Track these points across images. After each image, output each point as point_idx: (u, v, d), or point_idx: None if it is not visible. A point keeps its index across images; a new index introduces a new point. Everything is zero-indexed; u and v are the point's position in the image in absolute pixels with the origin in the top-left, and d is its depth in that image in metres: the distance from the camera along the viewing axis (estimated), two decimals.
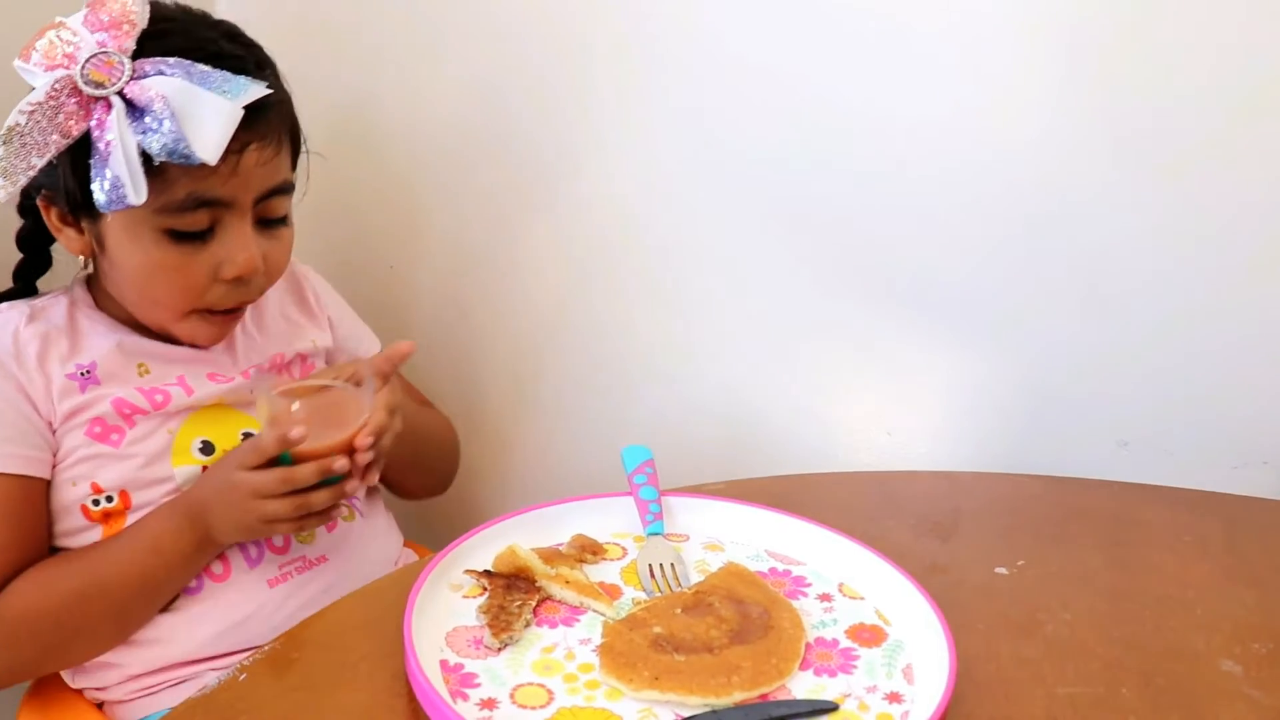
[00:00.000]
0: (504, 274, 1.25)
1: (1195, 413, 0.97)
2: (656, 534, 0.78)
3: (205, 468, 0.91)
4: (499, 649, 0.66)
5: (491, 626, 0.67)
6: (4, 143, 0.78)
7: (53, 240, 0.92)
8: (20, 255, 0.96)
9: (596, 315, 1.20)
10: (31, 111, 0.78)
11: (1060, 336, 1.01)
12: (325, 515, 0.86)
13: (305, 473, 0.82)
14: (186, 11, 0.88)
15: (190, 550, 0.86)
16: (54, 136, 0.78)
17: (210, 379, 0.93)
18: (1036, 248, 0.99)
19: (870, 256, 1.05)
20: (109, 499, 0.88)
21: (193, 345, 0.93)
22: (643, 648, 0.65)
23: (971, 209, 1.00)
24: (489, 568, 0.73)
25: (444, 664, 0.65)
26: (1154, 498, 0.90)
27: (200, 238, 0.85)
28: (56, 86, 0.79)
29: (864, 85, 1.00)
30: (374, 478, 0.87)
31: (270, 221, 0.90)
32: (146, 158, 0.78)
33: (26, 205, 0.91)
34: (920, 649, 0.68)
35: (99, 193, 0.78)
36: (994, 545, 0.82)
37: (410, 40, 1.25)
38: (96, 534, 0.88)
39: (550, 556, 0.75)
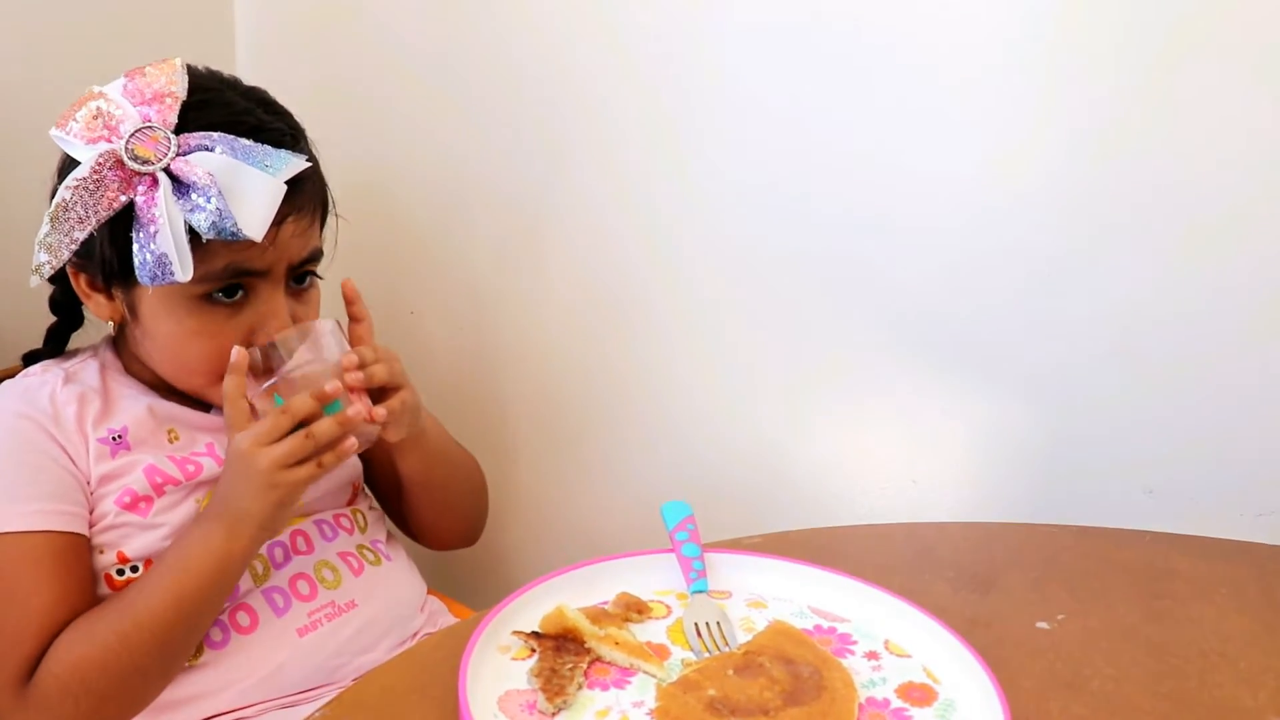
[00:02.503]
0: (527, 323, 1.26)
1: (1219, 460, 0.98)
2: (701, 591, 0.78)
3: None
4: (553, 713, 0.66)
5: (545, 690, 0.67)
6: (51, 220, 0.79)
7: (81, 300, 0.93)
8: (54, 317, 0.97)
9: (620, 366, 1.21)
10: (77, 187, 0.79)
11: (1083, 384, 1.02)
12: (339, 451, 0.83)
13: (300, 402, 0.82)
14: (219, 79, 0.90)
15: (219, 555, 0.83)
16: (97, 210, 0.79)
17: None
18: (1060, 296, 1.00)
19: (893, 306, 1.06)
20: (134, 569, 0.88)
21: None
22: (698, 711, 0.65)
23: (994, 257, 1.01)
24: (536, 629, 0.73)
25: None
26: (1185, 548, 0.90)
27: (234, 305, 0.87)
28: (100, 161, 0.79)
29: (890, 135, 1.02)
30: (384, 414, 0.86)
31: (300, 287, 0.92)
32: (192, 234, 0.80)
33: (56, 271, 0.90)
34: (972, 708, 0.68)
35: (143, 268, 0.80)
36: (1032, 599, 0.83)
37: (425, 94, 1.26)
38: None
39: (596, 616, 0.74)
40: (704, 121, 1.10)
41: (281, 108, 0.92)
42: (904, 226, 1.04)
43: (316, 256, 0.93)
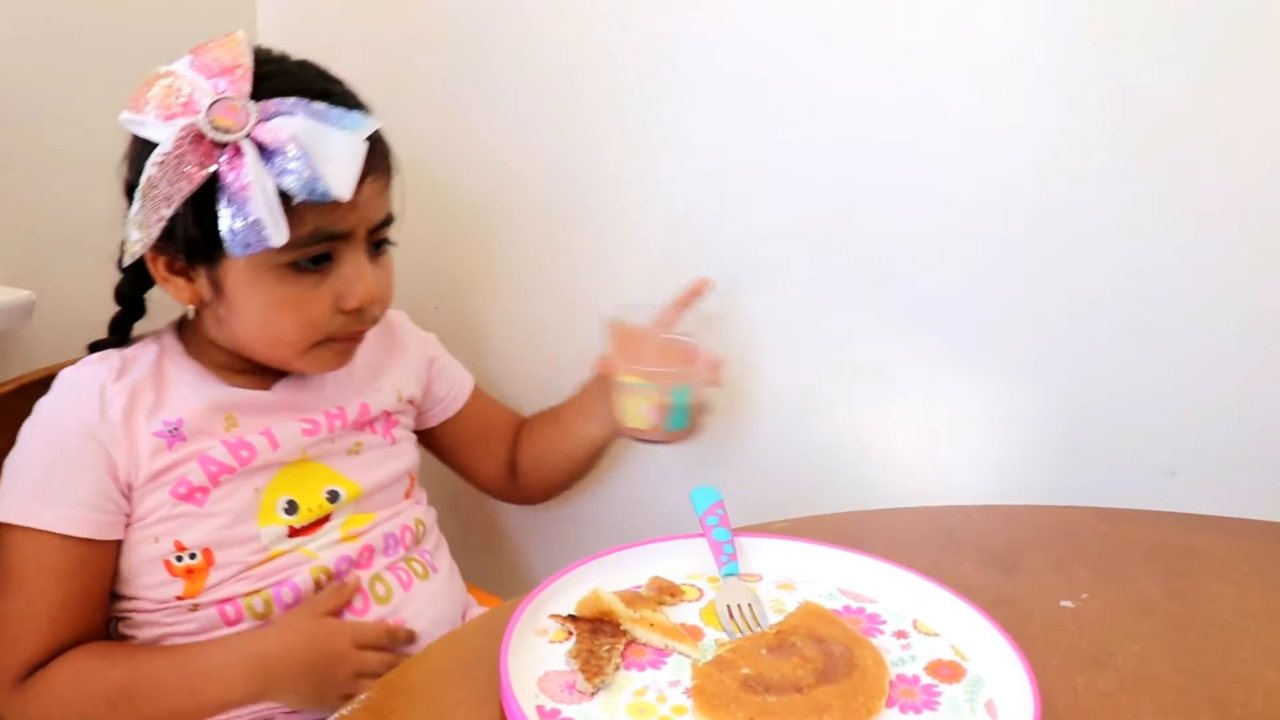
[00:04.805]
0: (553, 312, 1.27)
1: (1240, 442, 0.99)
2: (732, 575, 0.80)
3: (291, 529, 0.92)
4: (592, 693, 0.68)
5: (584, 671, 0.69)
6: (142, 197, 0.78)
7: (148, 288, 0.93)
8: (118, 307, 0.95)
9: None
10: (161, 163, 0.78)
11: (1105, 366, 1.03)
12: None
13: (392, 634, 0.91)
14: (270, 53, 0.88)
15: (232, 702, 0.86)
16: (180, 185, 0.78)
17: (297, 421, 0.94)
18: (1082, 278, 1.01)
19: (915, 292, 1.07)
20: (192, 556, 0.89)
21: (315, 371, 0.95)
22: (734, 689, 0.67)
23: (1016, 240, 1.02)
24: (573, 612, 0.75)
25: (540, 710, 0.66)
26: (1206, 527, 0.92)
27: (320, 272, 0.86)
28: (181, 136, 0.78)
29: (914, 120, 1.03)
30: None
31: (377, 253, 0.91)
32: (283, 198, 0.79)
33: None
34: (1000, 684, 0.69)
35: (234, 238, 0.78)
36: (1056, 578, 0.84)
37: (431, 89, 1.27)
38: (178, 588, 0.89)
39: (631, 599, 0.76)
40: (719, 112, 1.11)
41: (337, 76, 0.90)
42: (925, 211, 1.05)
43: (390, 220, 0.92)
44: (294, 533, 0.92)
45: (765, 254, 1.13)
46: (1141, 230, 0.98)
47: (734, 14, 1.08)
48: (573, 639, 0.72)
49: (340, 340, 0.91)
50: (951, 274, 1.06)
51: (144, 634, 0.91)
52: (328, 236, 0.85)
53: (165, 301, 0.93)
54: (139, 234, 0.80)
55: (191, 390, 0.91)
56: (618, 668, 0.70)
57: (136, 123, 0.81)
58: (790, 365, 1.15)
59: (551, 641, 0.73)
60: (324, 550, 0.93)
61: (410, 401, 1.06)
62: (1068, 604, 0.81)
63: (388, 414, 1.02)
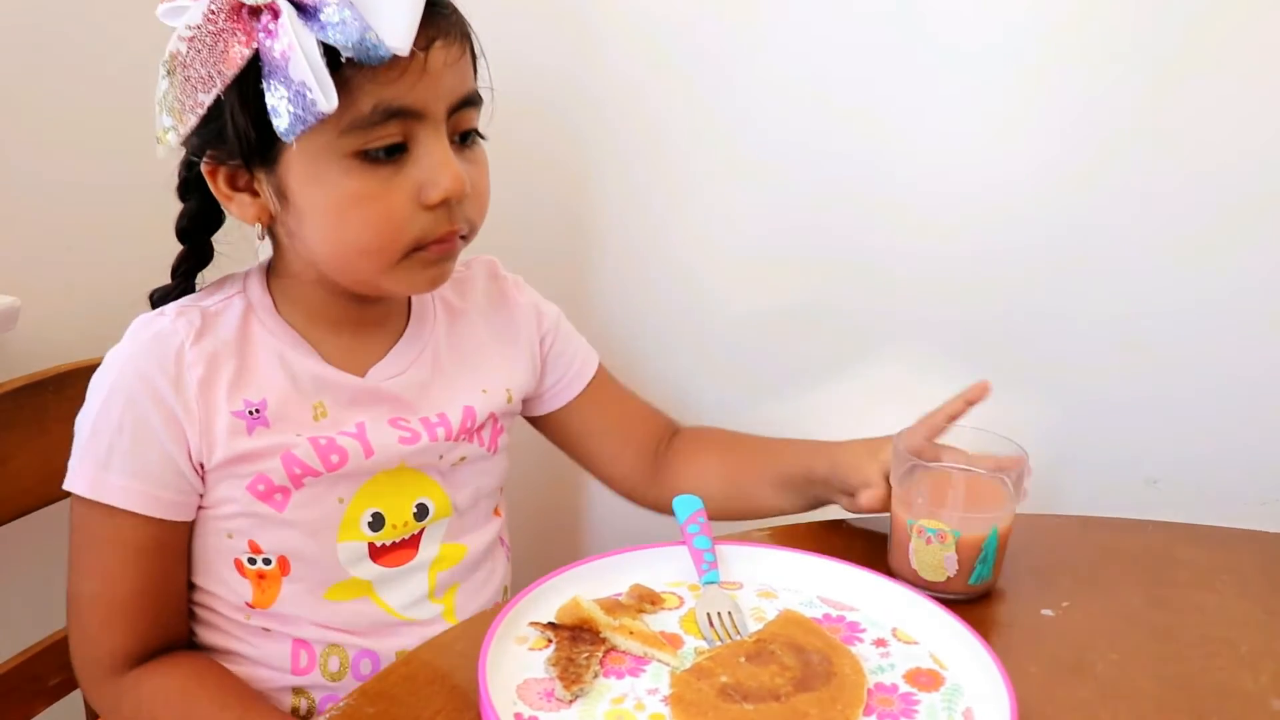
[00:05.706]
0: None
1: (1222, 450, 1.00)
2: (712, 583, 0.80)
3: (371, 548, 0.84)
4: (570, 700, 0.68)
5: (562, 678, 0.69)
6: (168, 75, 0.69)
7: (216, 228, 0.84)
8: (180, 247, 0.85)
9: (629, 360, 1.22)
10: (191, 39, 0.68)
11: (1088, 376, 1.03)
12: None
13: None
14: None
15: None
16: (218, 66, 0.68)
17: (391, 425, 0.84)
18: (1066, 291, 1.02)
19: (902, 302, 1.08)
20: (266, 561, 0.82)
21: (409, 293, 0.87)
22: (711, 697, 0.67)
23: (1002, 254, 1.03)
24: (553, 620, 0.75)
25: (518, 717, 0.66)
26: (1188, 536, 0.92)
27: (394, 159, 0.74)
28: (213, 8, 0.68)
29: (902, 140, 1.04)
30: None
31: (464, 140, 0.79)
32: (330, 62, 0.68)
33: (188, 182, 0.82)
34: (978, 693, 0.69)
35: (282, 113, 0.68)
36: (1037, 587, 0.84)
37: None
38: (246, 590, 0.83)
39: (611, 607, 0.76)
40: (723, 134, 1.12)
41: None
42: (915, 226, 1.06)
43: (475, 100, 0.78)
44: (374, 554, 0.85)
45: (753, 266, 1.13)
46: (1128, 245, 0.99)
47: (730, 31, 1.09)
48: (552, 646, 0.72)
49: (429, 248, 0.78)
50: (936, 284, 1.06)
51: (208, 638, 0.85)
52: (395, 113, 0.73)
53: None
54: (171, 120, 0.69)
55: (278, 362, 0.81)
56: (597, 675, 0.70)
57: (174, 10, 0.71)
58: (777, 376, 1.15)
59: (531, 649, 0.73)
60: (409, 609, 0.86)
61: (523, 400, 0.95)
62: (1048, 613, 0.81)
63: (495, 418, 0.91)
